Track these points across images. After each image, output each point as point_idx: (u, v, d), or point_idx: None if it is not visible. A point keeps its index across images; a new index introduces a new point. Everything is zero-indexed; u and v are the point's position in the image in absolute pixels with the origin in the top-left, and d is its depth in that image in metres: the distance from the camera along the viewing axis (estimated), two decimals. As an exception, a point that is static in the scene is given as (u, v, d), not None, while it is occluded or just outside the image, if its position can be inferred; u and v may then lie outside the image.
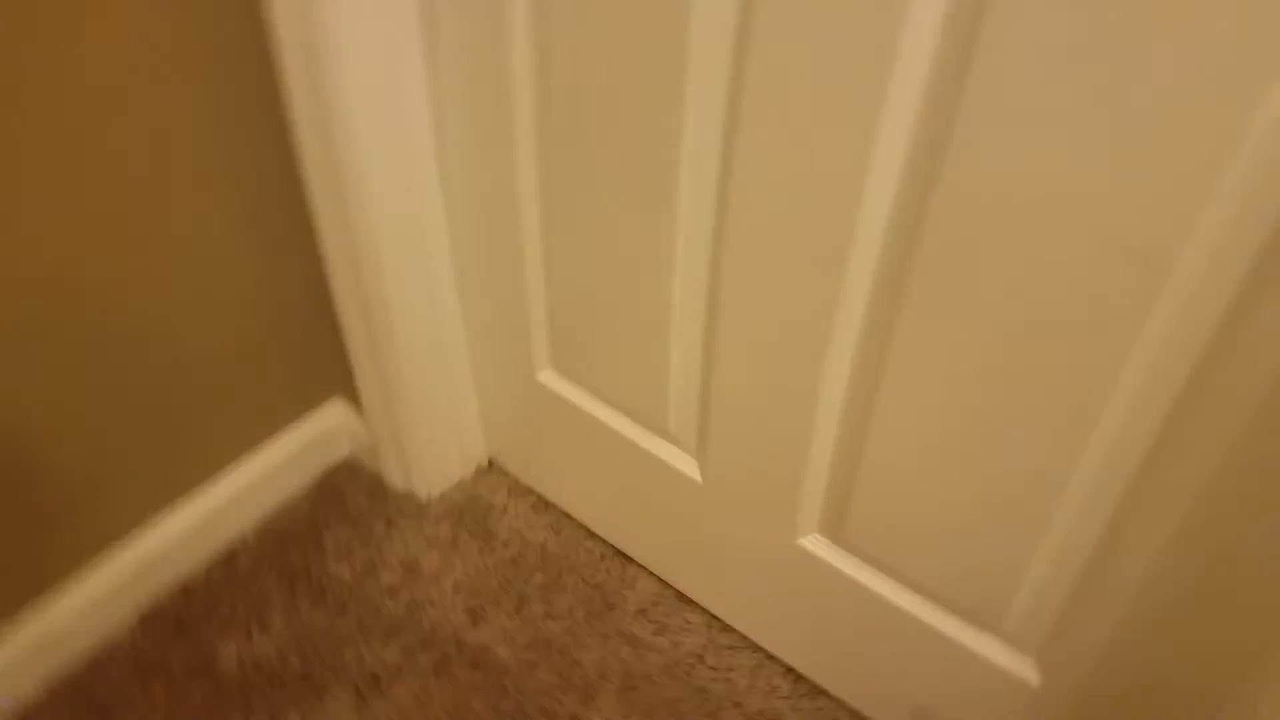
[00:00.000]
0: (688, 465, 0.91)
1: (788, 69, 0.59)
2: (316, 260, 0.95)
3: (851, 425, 0.74)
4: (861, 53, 0.55)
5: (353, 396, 1.11)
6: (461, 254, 0.97)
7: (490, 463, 1.20)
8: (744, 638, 1.00)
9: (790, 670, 0.98)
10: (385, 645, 1.01)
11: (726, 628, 1.01)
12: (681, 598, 1.04)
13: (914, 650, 0.82)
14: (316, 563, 1.08)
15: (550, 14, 0.70)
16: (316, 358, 1.09)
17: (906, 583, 0.79)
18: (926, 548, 0.75)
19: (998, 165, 0.53)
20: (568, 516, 1.13)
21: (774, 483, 0.82)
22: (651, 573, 1.07)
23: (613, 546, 1.10)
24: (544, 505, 1.15)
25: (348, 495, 1.16)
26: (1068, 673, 0.73)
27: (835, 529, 0.82)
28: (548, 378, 1.00)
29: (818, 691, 0.96)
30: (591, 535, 1.11)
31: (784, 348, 0.73)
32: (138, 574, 1.01)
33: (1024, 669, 0.76)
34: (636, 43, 0.66)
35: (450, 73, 0.82)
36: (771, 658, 0.99)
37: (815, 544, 0.84)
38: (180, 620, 1.02)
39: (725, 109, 0.65)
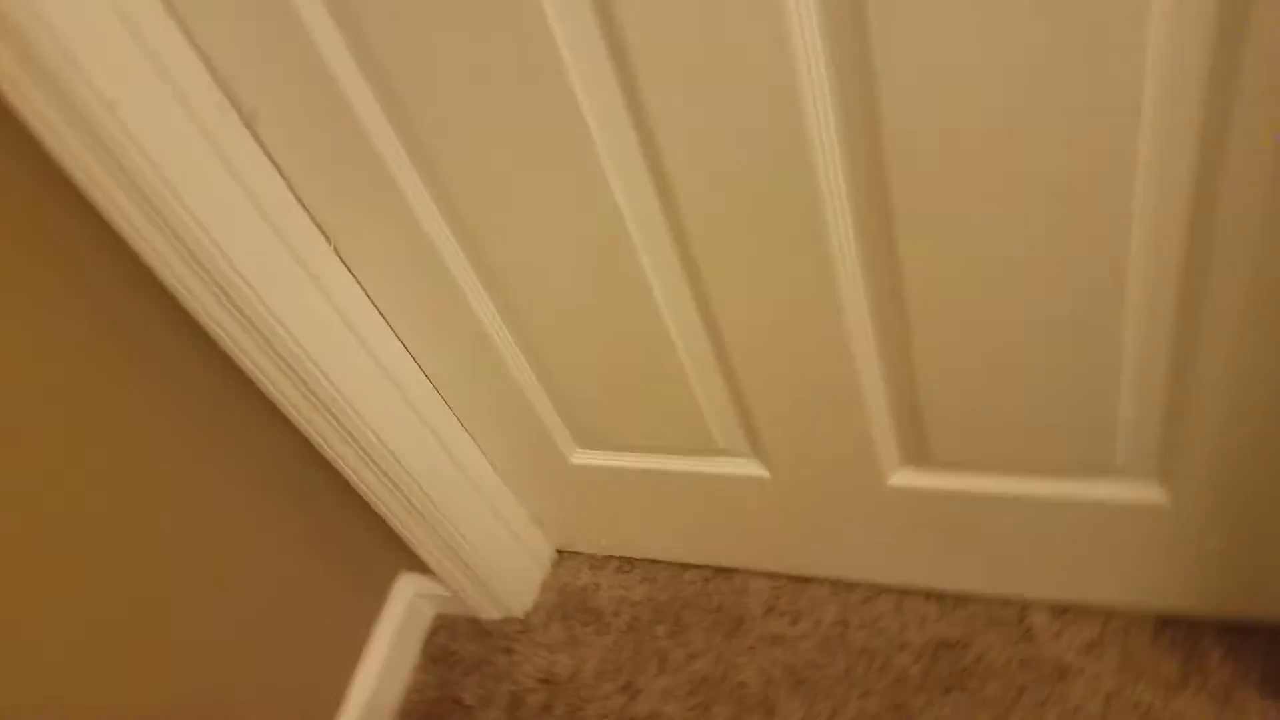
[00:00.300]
0: (751, 468, 0.93)
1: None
2: (332, 476, 0.97)
3: (892, 349, 0.74)
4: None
5: (416, 565, 1.11)
6: (450, 394, 0.98)
7: (560, 553, 1.21)
8: (872, 586, 1.03)
9: (930, 594, 1.01)
10: (568, 763, 1.02)
11: (852, 585, 1.04)
12: (796, 580, 1.07)
13: (1042, 525, 0.85)
14: (467, 717, 1.09)
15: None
16: (369, 551, 1.10)
17: (1008, 470, 0.81)
18: (1012, 428, 0.77)
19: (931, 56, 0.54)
20: (655, 562, 1.15)
21: (841, 443, 0.84)
22: (758, 572, 1.10)
23: (711, 567, 1.12)
24: (629, 564, 1.17)
25: (457, 649, 1.17)
26: (1193, 481, 0.75)
27: (919, 456, 0.84)
28: (581, 458, 1.02)
29: (963, 599, 0.99)
30: (686, 568, 1.14)
31: (792, 309, 0.73)
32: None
33: (1150, 494, 0.78)
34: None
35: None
36: (906, 592, 1.02)
37: (907, 478, 0.87)
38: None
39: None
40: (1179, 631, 0.89)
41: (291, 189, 0.80)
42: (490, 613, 1.16)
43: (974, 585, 0.97)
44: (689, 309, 0.79)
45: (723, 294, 0.75)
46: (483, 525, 1.07)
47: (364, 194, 0.77)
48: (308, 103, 0.71)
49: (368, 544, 1.09)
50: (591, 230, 0.74)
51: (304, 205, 0.81)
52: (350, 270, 0.87)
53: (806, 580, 1.07)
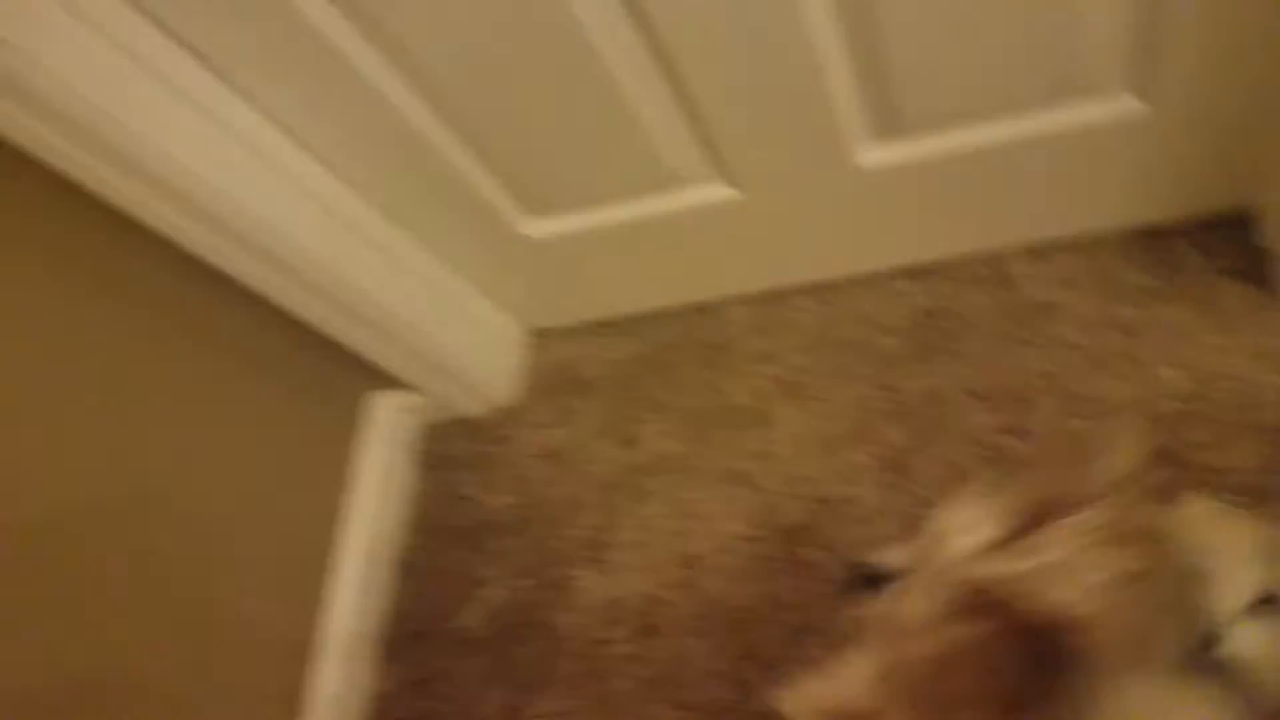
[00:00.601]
0: (717, 190, 0.88)
1: None
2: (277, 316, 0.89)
3: (850, 11, 0.69)
4: None
5: (388, 382, 1.07)
6: (382, 197, 0.91)
7: (536, 333, 1.17)
8: (851, 279, 1.03)
9: (907, 271, 1.01)
10: (598, 509, 1.04)
11: (831, 285, 1.04)
12: (775, 296, 1.06)
13: (1017, 167, 0.83)
14: (476, 509, 1.10)
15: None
16: (338, 381, 1.05)
17: (978, 118, 0.78)
18: (978, 67, 0.73)
19: None
20: (632, 318, 1.13)
21: (807, 134, 0.80)
22: (736, 299, 1.08)
23: (689, 306, 1.10)
24: (606, 326, 1.14)
25: (452, 451, 1.15)
26: (1170, 85, 0.73)
27: (888, 126, 0.80)
28: (533, 227, 0.95)
29: (940, 268, 1.00)
30: (663, 316, 1.11)
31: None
32: None
33: (1128, 106, 0.76)
34: None
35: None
36: (882, 276, 1.02)
37: (878, 155, 0.83)
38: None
39: None
40: (1154, 242, 0.91)
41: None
42: (475, 409, 1.13)
43: (950, 248, 0.97)
44: (621, 22, 0.71)
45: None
46: (445, 323, 1.03)
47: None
48: None
49: (334, 374, 1.03)
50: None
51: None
52: (254, 98, 0.78)
53: (785, 294, 1.06)
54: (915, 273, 1.00)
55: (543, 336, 1.17)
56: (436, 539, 1.10)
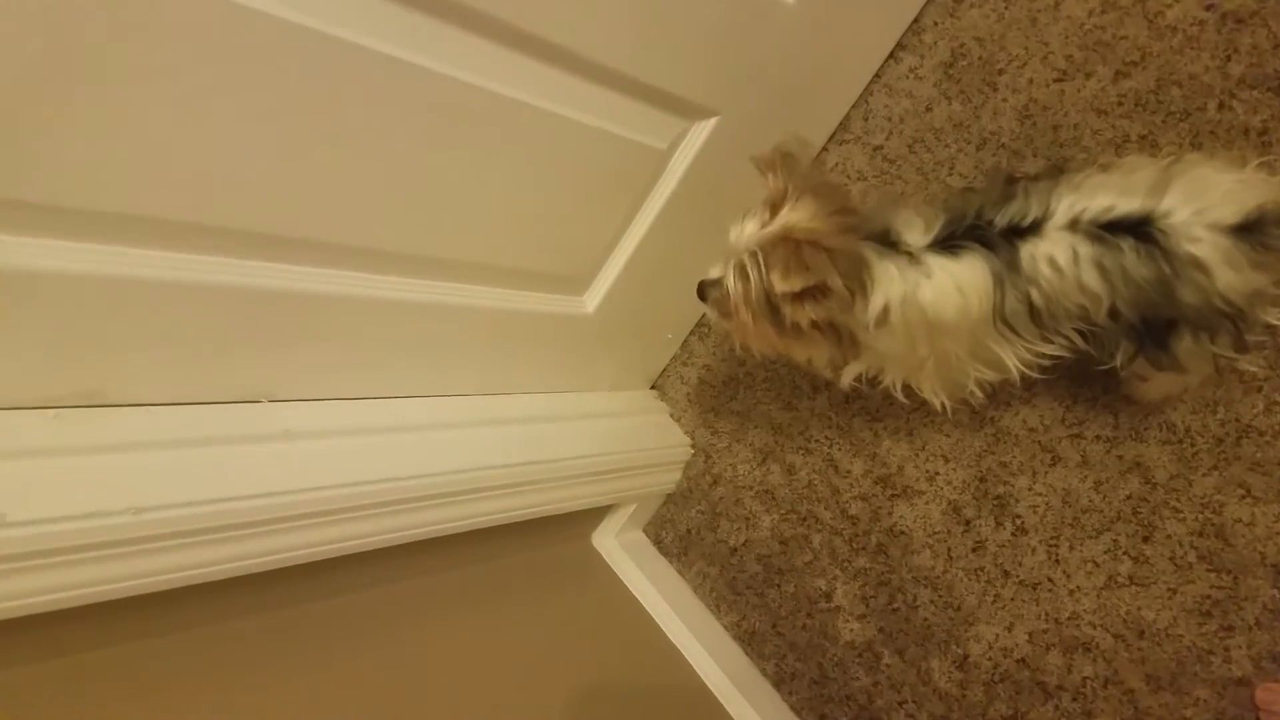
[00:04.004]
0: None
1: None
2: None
3: None
4: None
5: (594, 518, 1.10)
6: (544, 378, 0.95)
7: (656, 385, 1.21)
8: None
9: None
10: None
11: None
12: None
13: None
14: (755, 546, 1.10)
15: None
16: (569, 543, 1.09)
17: None
18: None
19: None
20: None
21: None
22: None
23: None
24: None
25: (690, 525, 1.16)
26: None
27: None
28: (587, 302, 0.98)
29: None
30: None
31: None
32: None
33: None
34: None
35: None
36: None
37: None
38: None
39: None
40: None
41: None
42: (673, 480, 1.16)
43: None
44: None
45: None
46: (612, 435, 1.07)
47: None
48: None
49: (562, 545, 1.08)
50: None
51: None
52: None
53: None
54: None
55: (659, 386, 1.18)
56: (746, 595, 1.11)
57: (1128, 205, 0.67)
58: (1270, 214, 0.65)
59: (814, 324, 0.71)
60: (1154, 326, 0.69)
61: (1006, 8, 0.93)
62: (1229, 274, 0.65)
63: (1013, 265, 0.70)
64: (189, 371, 0.70)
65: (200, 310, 0.67)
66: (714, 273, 0.77)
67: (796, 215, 0.71)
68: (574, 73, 0.75)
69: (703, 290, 0.79)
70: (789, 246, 0.69)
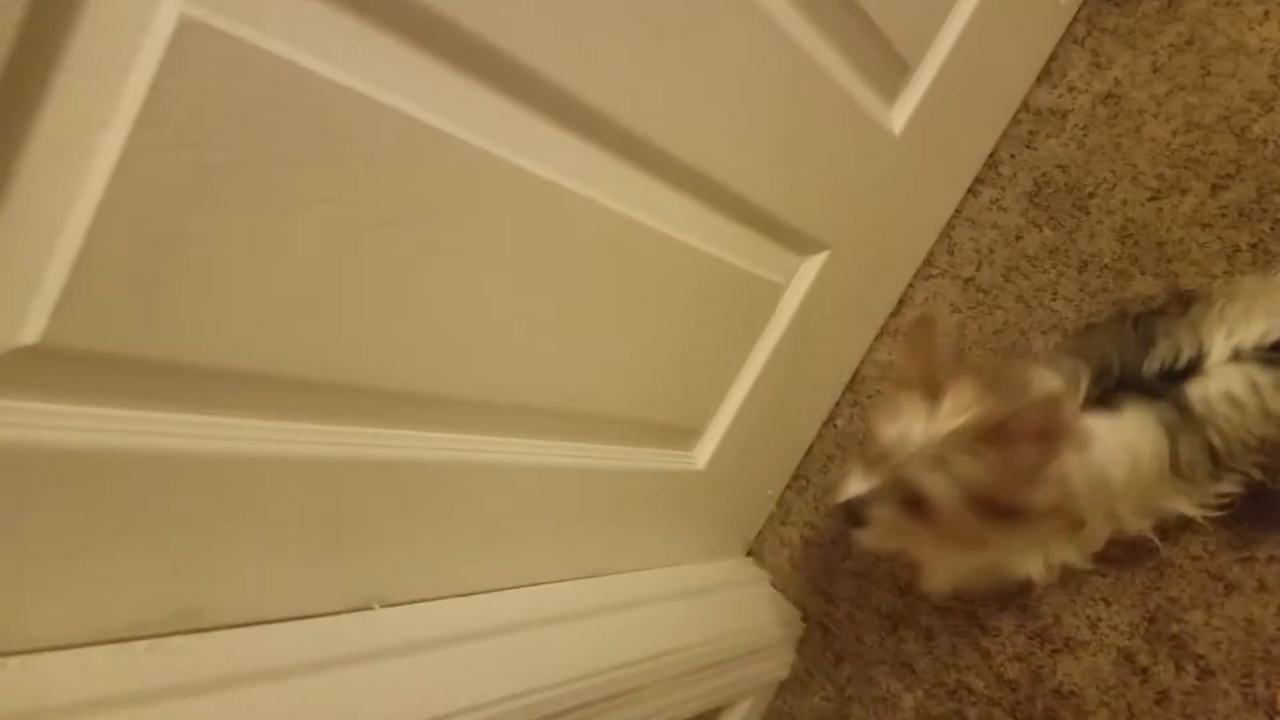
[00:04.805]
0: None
1: None
2: None
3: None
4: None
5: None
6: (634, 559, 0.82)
7: (751, 552, 1.09)
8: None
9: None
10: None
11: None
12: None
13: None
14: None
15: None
16: None
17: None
18: None
19: None
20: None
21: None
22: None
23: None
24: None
25: (811, 706, 1.01)
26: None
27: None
28: (698, 458, 0.89)
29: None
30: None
31: None
32: None
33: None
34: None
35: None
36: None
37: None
38: None
39: None
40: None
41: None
42: (785, 665, 1.02)
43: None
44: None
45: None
46: (708, 622, 0.92)
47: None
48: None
49: None
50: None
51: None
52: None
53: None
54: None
55: (755, 552, 1.07)
56: None
57: (1285, 325, 0.64)
58: None
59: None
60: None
61: (1086, 135, 0.95)
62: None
63: (1183, 410, 0.65)
64: (295, 575, 0.58)
65: (302, 492, 0.55)
66: (855, 488, 0.66)
67: (969, 396, 0.62)
68: (701, 198, 0.70)
69: (856, 511, 0.66)
70: (998, 433, 0.60)
